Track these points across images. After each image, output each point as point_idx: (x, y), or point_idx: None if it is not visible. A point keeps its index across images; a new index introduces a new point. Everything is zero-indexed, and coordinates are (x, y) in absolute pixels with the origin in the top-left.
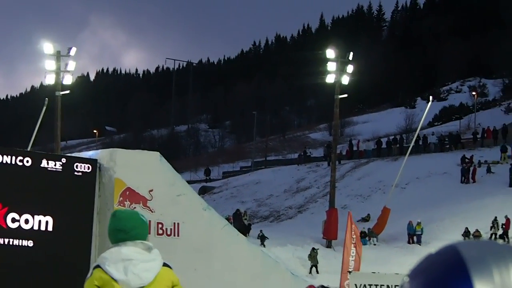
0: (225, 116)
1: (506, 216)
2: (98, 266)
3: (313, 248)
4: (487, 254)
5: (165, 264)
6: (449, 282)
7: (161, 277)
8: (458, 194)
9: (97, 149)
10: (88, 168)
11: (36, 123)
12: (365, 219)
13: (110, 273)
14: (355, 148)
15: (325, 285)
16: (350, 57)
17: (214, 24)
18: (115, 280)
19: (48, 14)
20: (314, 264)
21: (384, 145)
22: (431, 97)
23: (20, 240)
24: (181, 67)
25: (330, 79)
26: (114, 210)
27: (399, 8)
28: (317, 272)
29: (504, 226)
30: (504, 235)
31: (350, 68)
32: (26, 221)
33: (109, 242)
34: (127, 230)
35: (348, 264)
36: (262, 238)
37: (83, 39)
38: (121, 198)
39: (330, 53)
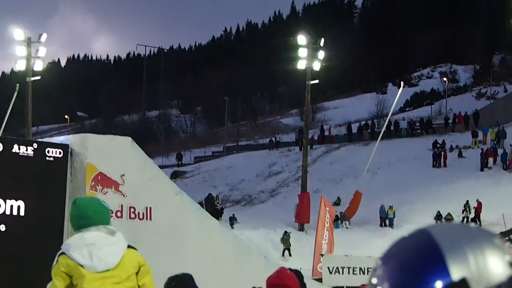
0: (197, 102)
1: (477, 200)
2: (63, 253)
3: (286, 232)
4: (461, 238)
5: (129, 246)
6: (423, 267)
7: (127, 259)
8: (429, 179)
9: (68, 134)
10: (60, 153)
11: (7, 109)
12: (336, 203)
13: (75, 259)
14: (326, 133)
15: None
16: (322, 43)
17: (185, 11)
18: (81, 265)
19: (15, 1)
20: (287, 247)
21: (355, 131)
22: (402, 83)
23: None
24: (152, 53)
25: (301, 65)
26: (74, 198)
27: None
28: (290, 255)
29: (476, 210)
30: (476, 218)
31: (321, 54)
32: None
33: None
34: (88, 216)
35: (321, 247)
36: (231, 220)
37: (52, 25)
38: (93, 183)
39: (301, 39)
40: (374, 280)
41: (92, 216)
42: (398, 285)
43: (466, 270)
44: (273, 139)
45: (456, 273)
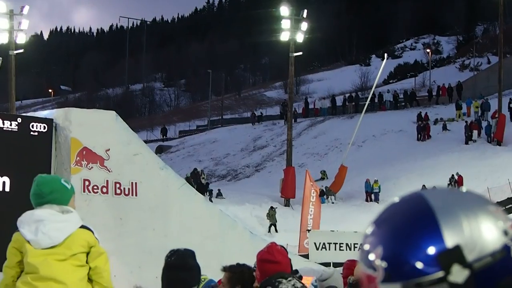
0: (179, 74)
1: (457, 173)
2: (17, 229)
3: (272, 207)
4: (455, 203)
5: (83, 227)
6: (417, 231)
7: (75, 237)
8: (414, 152)
9: (52, 108)
10: (44, 128)
11: None
12: (322, 178)
13: (23, 234)
14: (311, 106)
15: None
16: (304, 15)
17: None
18: (28, 241)
19: None
20: (273, 223)
21: (339, 103)
22: (385, 55)
23: None
24: (135, 26)
25: (284, 37)
26: (36, 176)
27: None
28: (276, 231)
29: (457, 183)
30: None
31: (304, 26)
32: None
33: None
34: (44, 195)
35: (306, 222)
36: (210, 193)
37: None
38: (78, 158)
39: (284, 10)
40: (367, 246)
41: (47, 195)
42: (390, 250)
43: (460, 236)
44: (255, 113)
45: (450, 240)
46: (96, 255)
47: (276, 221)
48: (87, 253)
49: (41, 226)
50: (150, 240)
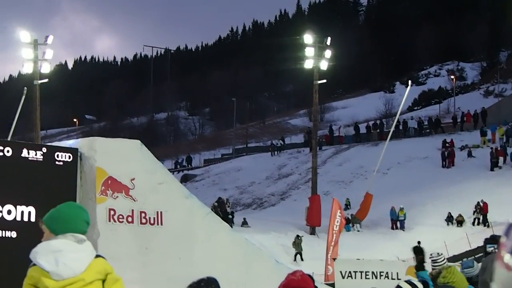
0: (203, 103)
1: (482, 201)
2: (33, 264)
3: (298, 236)
4: None
5: (98, 256)
6: None
7: (93, 266)
8: (439, 179)
9: (77, 138)
10: (69, 157)
11: (15, 113)
12: (346, 206)
13: (41, 265)
14: (335, 134)
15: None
16: (328, 42)
17: (191, 11)
18: (47, 272)
19: (18, 2)
20: (299, 251)
21: (363, 130)
22: (410, 81)
23: (3, 231)
24: (159, 54)
25: (308, 64)
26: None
27: None
28: (302, 259)
29: (481, 210)
30: (485, 219)
31: (328, 53)
32: (9, 212)
33: (92, 231)
34: (62, 221)
35: (332, 250)
36: (232, 221)
37: (56, 26)
38: (103, 187)
39: (308, 38)
40: (507, 258)
41: (66, 222)
42: None
43: None
44: (273, 143)
45: None
46: (112, 282)
47: (302, 250)
48: (103, 280)
49: (60, 257)
50: (176, 269)
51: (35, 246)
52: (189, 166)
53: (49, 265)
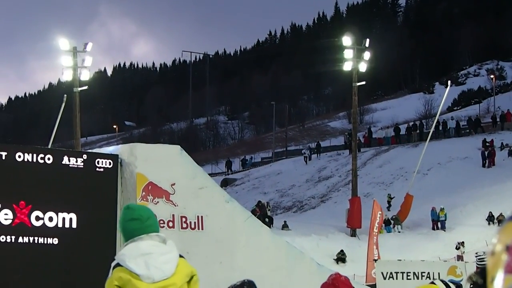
0: (243, 107)
1: None
2: (117, 265)
3: (342, 250)
4: None
5: (180, 255)
6: None
7: (181, 268)
8: (480, 178)
9: (117, 144)
10: (110, 164)
11: (55, 120)
12: (386, 207)
13: (131, 269)
14: (375, 136)
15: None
16: (367, 44)
17: (229, 15)
18: (138, 276)
19: (57, 9)
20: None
21: (403, 132)
22: (449, 82)
23: (45, 238)
24: (197, 60)
25: (347, 66)
26: (125, 205)
27: None
28: (344, 261)
29: None
30: None
31: (367, 55)
32: (50, 219)
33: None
34: (143, 219)
35: (373, 252)
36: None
37: (94, 33)
38: (143, 193)
39: (347, 40)
40: None
41: (146, 220)
42: None
43: None
44: (305, 152)
45: None
46: (195, 282)
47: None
48: (188, 281)
49: (151, 260)
50: (217, 273)
51: (76, 252)
52: (229, 170)
53: (139, 268)
